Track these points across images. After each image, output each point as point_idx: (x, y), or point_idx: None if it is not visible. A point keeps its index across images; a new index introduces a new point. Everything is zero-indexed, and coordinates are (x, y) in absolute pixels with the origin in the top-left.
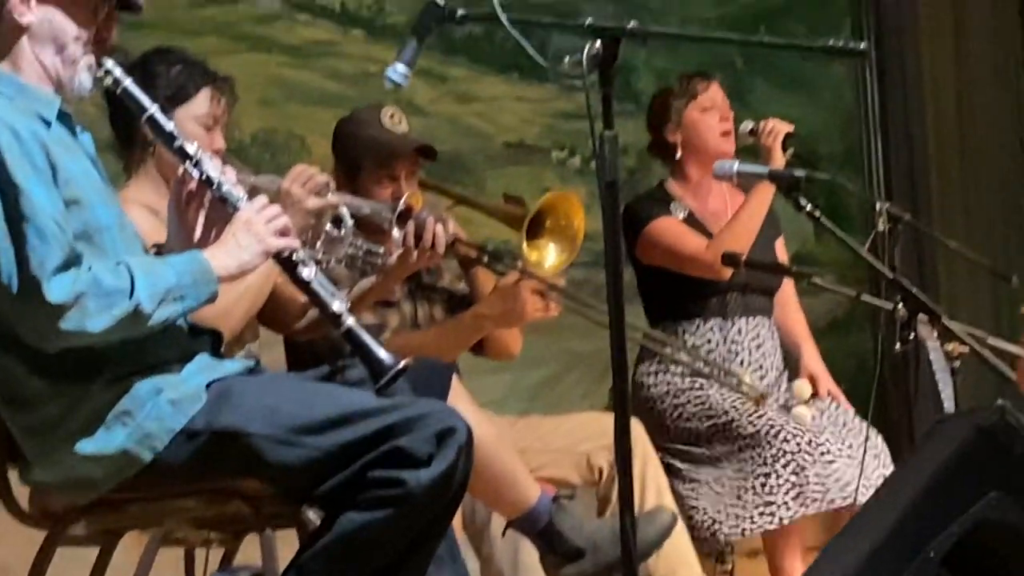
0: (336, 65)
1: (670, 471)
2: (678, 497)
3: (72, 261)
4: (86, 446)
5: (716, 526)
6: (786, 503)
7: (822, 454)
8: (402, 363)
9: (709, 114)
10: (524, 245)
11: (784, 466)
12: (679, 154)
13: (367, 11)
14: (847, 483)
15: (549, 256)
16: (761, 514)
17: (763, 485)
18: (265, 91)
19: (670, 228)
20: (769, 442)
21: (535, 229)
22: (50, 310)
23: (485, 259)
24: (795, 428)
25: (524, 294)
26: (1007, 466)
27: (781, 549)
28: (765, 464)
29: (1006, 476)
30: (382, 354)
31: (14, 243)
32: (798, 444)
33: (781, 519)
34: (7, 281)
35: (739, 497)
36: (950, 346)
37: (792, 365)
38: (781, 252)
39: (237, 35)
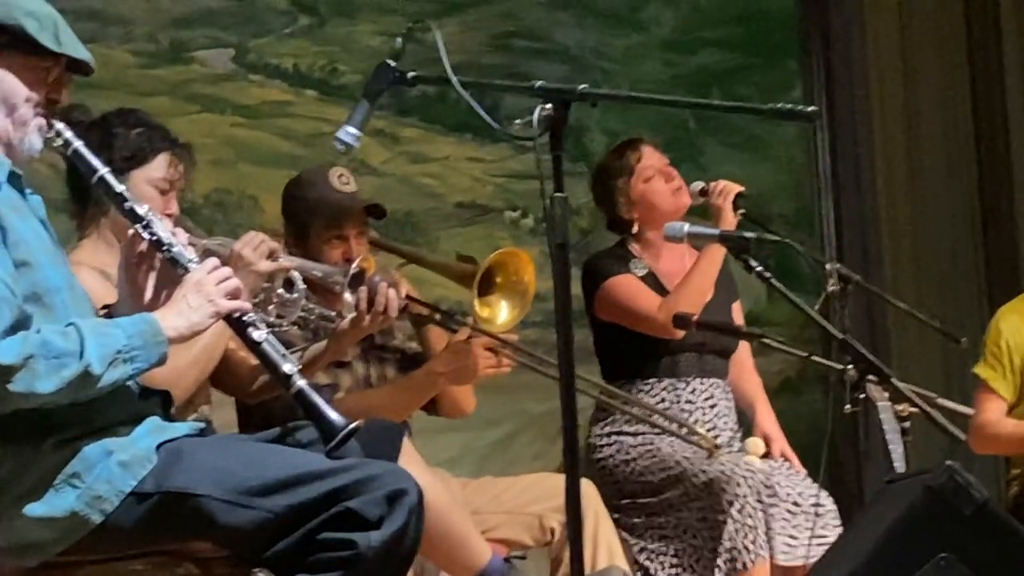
0: (289, 125)
1: (629, 529)
2: (635, 559)
3: (21, 323)
4: (35, 509)
5: None
6: (745, 547)
7: (774, 506)
8: (353, 424)
9: (654, 181)
10: (475, 302)
11: (739, 511)
12: (636, 228)
13: (320, 71)
14: (799, 544)
15: (501, 312)
16: (725, 563)
17: (717, 533)
18: (218, 151)
19: (627, 285)
20: (721, 490)
21: (486, 286)
22: (1, 372)
23: (437, 317)
24: (747, 472)
25: (476, 350)
26: (956, 527)
27: None
28: (718, 513)
29: (956, 537)
30: (333, 415)
31: None
32: (751, 487)
33: (742, 564)
34: None
35: (698, 556)
36: (900, 407)
37: (746, 426)
38: (738, 315)
39: (189, 95)
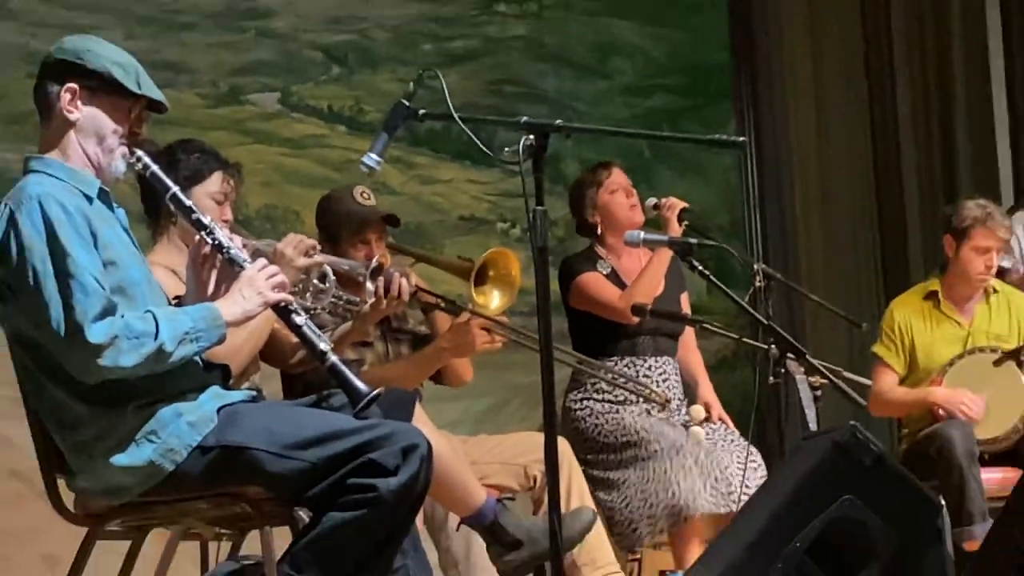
0: (324, 154)
1: (594, 481)
2: (600, 503)
3: (109, 310)
4: (121, 459)
5: (633, 526)
6: (687, 504)
7: (713, 466)
8: (375, 391)
9: (617, 194)
10: (472, 291)
11: (683, 475)
12: (600, 230)
13: (348, 111)
14: (732, 491)
15: (493, 299)
16: (668, 515)
17: (667, 491)
18: (267, 175)
19: (594, 281)
20: (671, 457)
21: (481, 278)
22: (91, 349)
23: (442, 304)
24: (693, 446)
25: (474, 330)
26: (858, 474)
27: (684, 541)
28: (668, 474)
29: (857, 482)
30: (359, 385)
31: (62, 296)
32: (695, 458)
33: (685, 517)
34: (56, 327)
35: (650, 504)
36: (813, 379)
37: (690, 395)
38: (686, 304)
39: (244, 130)
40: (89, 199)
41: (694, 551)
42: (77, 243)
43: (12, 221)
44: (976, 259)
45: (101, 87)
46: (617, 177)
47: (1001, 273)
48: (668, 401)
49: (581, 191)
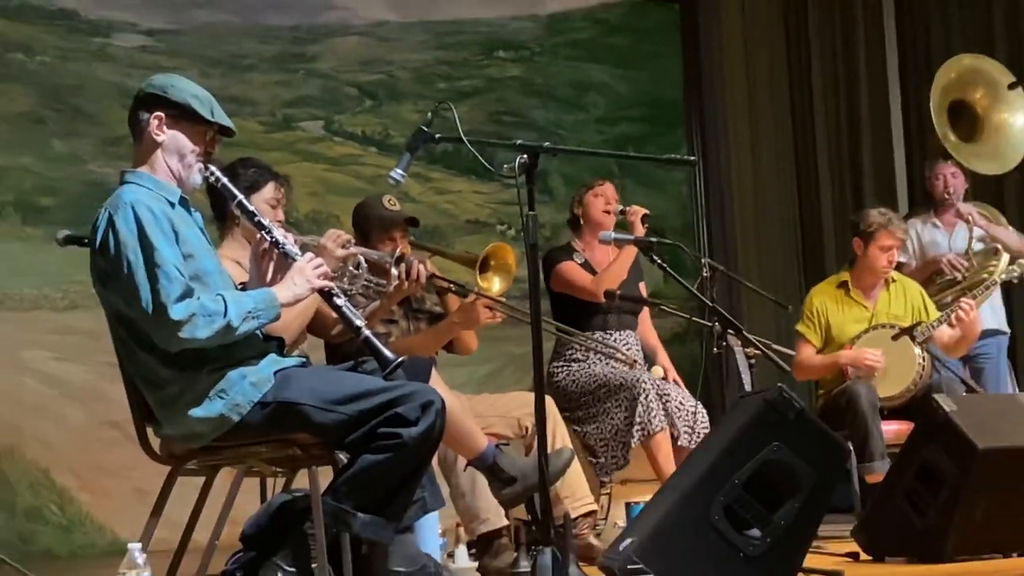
0: (359, 170)
1: (575, 422)
2: (580, 436)
3: (187, 293)
4: (197, 412)
5: (610, 451)
6: (649, 420)
7: (669, 398)
8: (400, 359)
9: (598, 199)
10: (478, 276)
11: (645, 398)
12: (581, 222)
13: (378, 135)
14: (687, 425)
15: (495, 283)
16: (640, 431)
17: (634, 409)
18: (313, 187)
19: (571, 269)
20: (634, 385)
21: (484, 267)
22: (173, 325)
23: (453, 288)
24: (649, 379)
25: (478, 307)
26: (784, 426)
27: (657, 456)
28: (633, 399)
29: (783, 431)
30: (387, 353)
31: (150, 282)
32: (652, 386)
33: (650, 433)
34: (145, 306)
35: (620, 429)
36: (748, 350)
37: (650, 364)
38: (643, 290)
39: (295, 151)
40: (172, 204)
41: (669, 464)
42: (162, 240)
43: (111, 222)
44: (880, 256)
45: (182, 115)
46: (606, 188)
47: (899, 266)
48: (635, 362)
49: (579, 192)
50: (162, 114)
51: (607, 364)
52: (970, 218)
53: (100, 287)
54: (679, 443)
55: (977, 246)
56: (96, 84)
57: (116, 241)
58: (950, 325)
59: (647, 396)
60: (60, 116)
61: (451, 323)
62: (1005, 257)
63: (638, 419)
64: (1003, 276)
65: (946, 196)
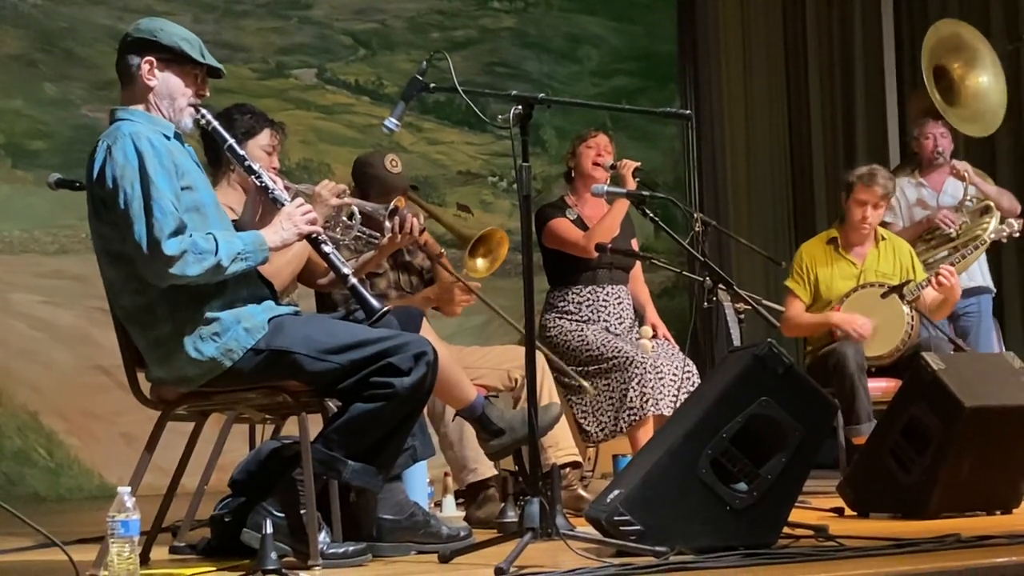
0: (351, 119)
1: (565, 388)
2: (572, 406)
3: (181, 229)
4: (189, 353)
5: (600, 426)
6: (640, 406)
7: (659, 375)
8: (385, 308)
9: (591, 149)
10: (467, 258)
11: (638, 382)
12: (572, 175)
13: (371, 84)
14: (673, 395)
15: (479, 264)
16: (628, 414)
17: (624, 396)
18: (305, 135)
19: (563, 224)
20: (625, 367)
21: (476, 247)
22: (165, 260)
23: (441, 262)
24: (642, 358)
25: (456, 290)
26: (772, 380)
27: (637, 438)
28: (624, 383)
29: (771, 386)
30: (373, 302)
31: (145, 214)
32: (643, 368)
33: (639, 417)
34: (138, 239)
35: (610, 407)
36: (738, 305)
37: (640, 317)
38: (635, 246)
39: (288, 99)
40: (167, 137)
41: (647, 438)
42: (160, 173)
43: (109, 152)
44: (856, 209)
45: (172, 58)
46: (599, 139)
47: (885, 225)
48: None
49: (573, 142)
50: (152, 58)
51: (601, 327)
52: (966, 174)
53: (95, 221)
54: (664, 413)
55: (967, 205)
56: (88, 27)
57: (114, 172)
58: (933, 288)
59: (640, 380)
60: (52, 59)
61: (425, 297)
62: (996, 215)
63: (629, 403)
64: (993, 235)
65: (936, 155)
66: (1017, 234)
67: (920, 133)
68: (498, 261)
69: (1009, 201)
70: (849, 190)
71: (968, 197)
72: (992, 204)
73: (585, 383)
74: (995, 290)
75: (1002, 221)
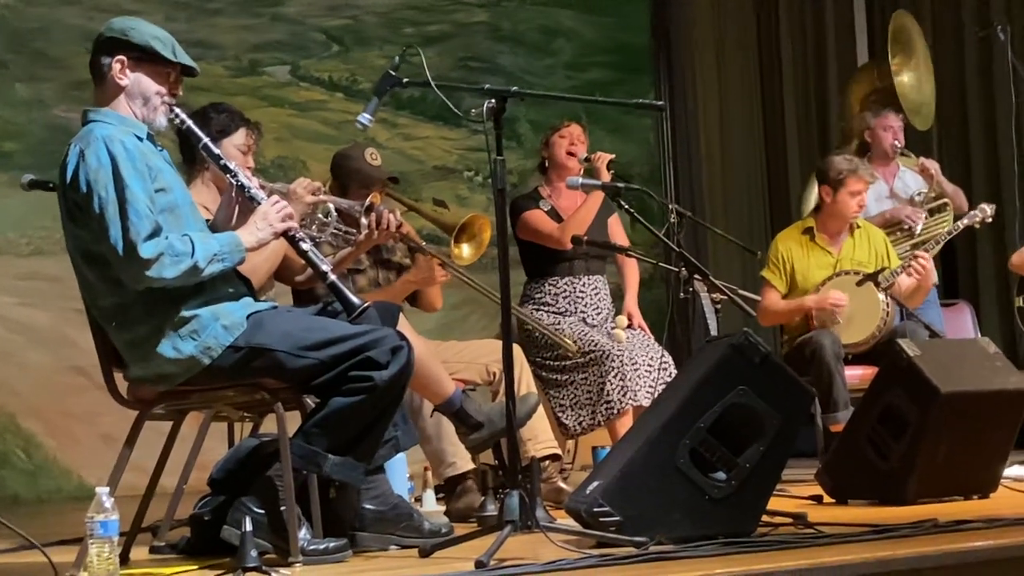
0: (325, 116)
1: (543, 381)
2: (550, 400)
3: (156, 232)
4: (168, 352)
5: (578, 419)
6: (618, 400)
7: (635, 367)
8: (366, 304)
9: (564, 139)
10: (452, 244)
11: (615, 376)
12: (547, 164)
13: (345, 80)
14: (650, 386)
15: (464, 251)
16: (605, 409)
17: (601, 389)
18: (279, 132)
19: (537, 217)
20: (602, 361)
21: (459, 234)
22: (142, 263)
23: (421, 246)
24: (618, 350)
25: (434, 264)
26: (749, 370)
27: (615, 430)
28: (601, 376)
29: (748, 376)
30: (352, 298)
31: (120, 218)
32: (620, 361)
33: (617, 410)
34: (114, 242)
35: (588, 402)
36: (714, 295)
37: (618, 306)
38: (615, 225)
39: (262, 96)
40: (140, 139)
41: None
42: (134, 176)
43: (82, 156)
44: (851, 200)
45: (144, 57)
46: (572, 129)
47: None
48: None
49: (547, 133)
50: (124, 57)
51: (578, 319)
52: (934, 172)
53: (70, 224)
54: (643, 404)
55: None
56: (59, 28)
57: (87, 177)
58: (908, 275)
59: (617, 373)
60: (23, 60)
61: (406, 281)
62: (952, 212)
63: (607, 396)
64: (966, 221)
65: (895, 146)
66: (990, 219)
67: (879, 124)
68: (483, 246)
69: (961, 200)
70: (838, 183)
71: (917, 192)
72: (948, 202)
73: (568, 341)
74: (937, 281)
75: (956, 218)
